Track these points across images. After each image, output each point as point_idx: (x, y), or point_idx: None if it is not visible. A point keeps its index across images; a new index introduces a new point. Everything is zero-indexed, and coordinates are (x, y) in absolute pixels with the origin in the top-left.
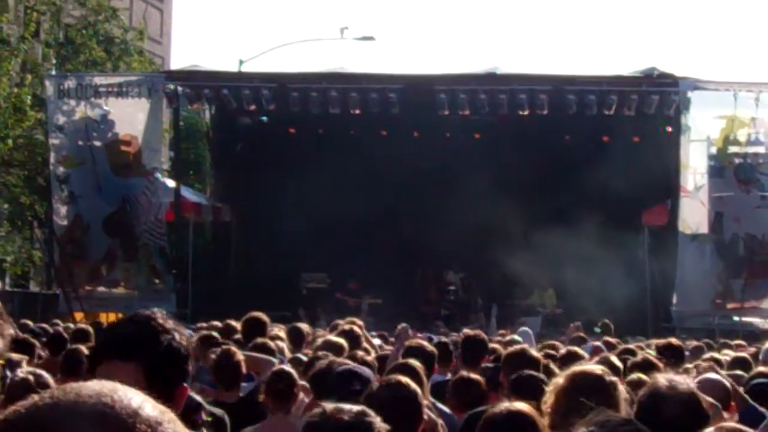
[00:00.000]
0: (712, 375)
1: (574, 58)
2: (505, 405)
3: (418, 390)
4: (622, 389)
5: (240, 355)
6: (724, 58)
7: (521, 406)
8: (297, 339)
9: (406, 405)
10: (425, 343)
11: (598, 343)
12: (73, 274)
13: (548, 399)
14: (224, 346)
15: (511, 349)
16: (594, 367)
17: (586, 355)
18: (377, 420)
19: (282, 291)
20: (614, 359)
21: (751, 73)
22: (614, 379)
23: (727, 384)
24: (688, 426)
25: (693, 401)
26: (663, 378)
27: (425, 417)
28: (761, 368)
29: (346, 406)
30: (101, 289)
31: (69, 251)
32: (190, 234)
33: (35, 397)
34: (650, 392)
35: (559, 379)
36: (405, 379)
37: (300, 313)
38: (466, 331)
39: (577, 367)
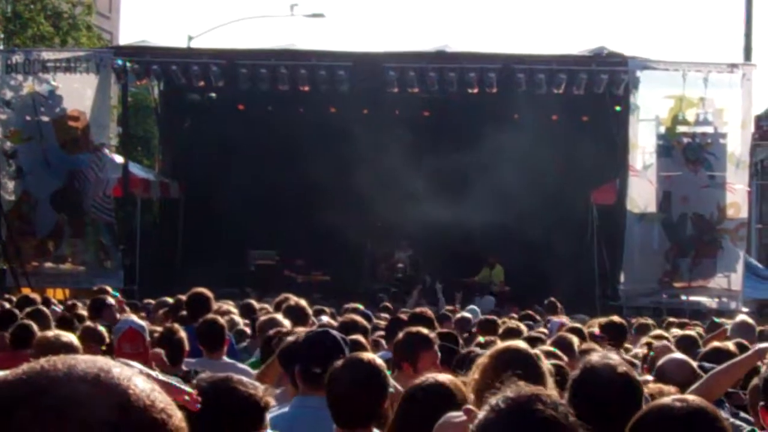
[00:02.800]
0: (677, 355)
1: (523, 37)
2: (431, 377)
3: (383, 366)
4: (546, 362)
5: (183, 332)
6: (673, 38)
7: (442, 377)
8: (249, 314)
9: (370, 382)
10: (359, 319)
11: (563, 320)
12: (21, 250)
13: (472, 375)
14: (167, 324)
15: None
16: (516, 342)
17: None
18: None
19: (230, 268)
20: (570, 336)
21: (700, 53)
22: (537, 351)
23: (694, 364)
24: (622, 404)
25: (627, 379)
26: (597, 356)
27: (391, 390)
28: (716, 344)
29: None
30: (49, 264)
31: (16, 227)
32: (138, 210)
33: (34, 363)
34: (584, 371)
35: (484, 357)
36: (368, 356)
37: (249, 290)
38: (416, 309)
39: (500, 344)
